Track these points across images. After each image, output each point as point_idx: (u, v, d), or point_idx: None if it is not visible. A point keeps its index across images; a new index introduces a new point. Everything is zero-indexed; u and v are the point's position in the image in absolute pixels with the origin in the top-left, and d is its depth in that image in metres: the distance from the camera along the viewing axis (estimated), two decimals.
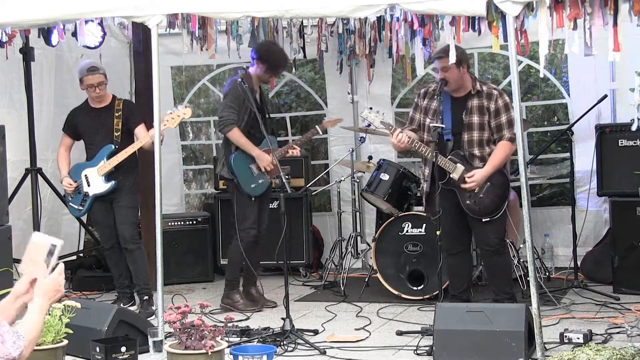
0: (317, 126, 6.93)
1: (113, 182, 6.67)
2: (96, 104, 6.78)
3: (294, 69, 8.48)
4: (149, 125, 6.32)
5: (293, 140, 6.79)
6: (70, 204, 6.84)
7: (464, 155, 6.07)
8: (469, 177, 5.98)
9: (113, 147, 6.67)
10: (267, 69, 6.67)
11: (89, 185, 6.72)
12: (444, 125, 5.95)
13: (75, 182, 6.75)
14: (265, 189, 6.69)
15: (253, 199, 6.63)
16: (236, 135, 6.53)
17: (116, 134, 6.69)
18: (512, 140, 5.96)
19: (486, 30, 5.65)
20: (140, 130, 6.67)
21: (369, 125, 6.21)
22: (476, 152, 6.06)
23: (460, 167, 6.03)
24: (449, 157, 6.04)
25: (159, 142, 5.72)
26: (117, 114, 6.72)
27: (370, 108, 6.16)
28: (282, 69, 6.99)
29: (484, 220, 6.01)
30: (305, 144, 7.14)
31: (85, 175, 6.73)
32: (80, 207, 6.80)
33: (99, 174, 6.67)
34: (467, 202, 6.04)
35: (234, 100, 6.55)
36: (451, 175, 6.02)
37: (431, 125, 5.91)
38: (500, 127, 6.03)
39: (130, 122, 6.70)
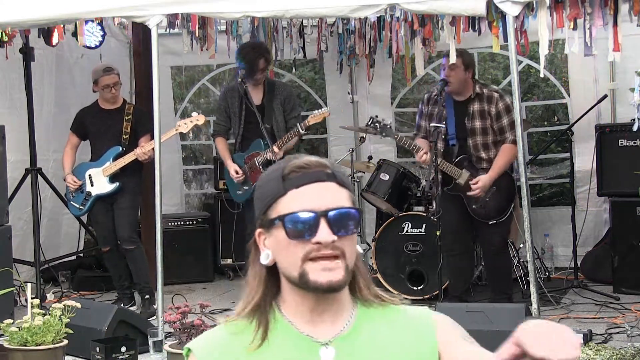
0: (299, 124, 6.63)
1: (117, 183, 6.67)
2: (107, 105, 6.79)
3: (294, 68, 8.48)
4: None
5: (277, 142, 6.52)
6: (72, 202, 6.84)
7: (470, 161, 6.07)
8: (473, 184, 5.98)
9: (120, 148, 6.67)
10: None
11: (92, 185, 6.72)
12: (443, 125, 5.96)
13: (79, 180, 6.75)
14: (250, 196, 6.59)
15: (241, 205, 6.84)
16: (217, 146, 6.78)
17: (124, 137, 6.69)
18: (515, 142, 5.97)
19: (486, 30, 5.67)
20: (144, 139, 6.67)
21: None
22: (483, 155, 6.08)
23: (465, 174, 6.03)
24: (455, 162, 6.04)
25: (159, 143, 5.72)
26: (127, 117, 6.73)
27: (376, 116, 6.36)
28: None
29: (490, 223, 6.02)
30: (295, 145, 6.84)
31: (90, 175, 6.72)
32: (82, 207, 6.79)
33: (104, 174, 6.67)
34: (474, 206, 6.05)
35: (216, 110, 6.86)
36: (457, 181, 6.03)
37: (431, 125, 5.91)
38: (502, 129, 6.03)
39: (138, 128, 6.71)
